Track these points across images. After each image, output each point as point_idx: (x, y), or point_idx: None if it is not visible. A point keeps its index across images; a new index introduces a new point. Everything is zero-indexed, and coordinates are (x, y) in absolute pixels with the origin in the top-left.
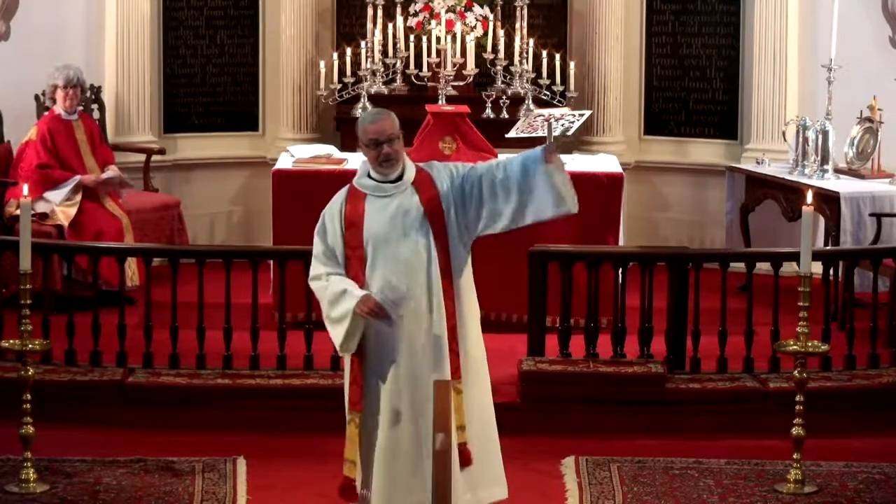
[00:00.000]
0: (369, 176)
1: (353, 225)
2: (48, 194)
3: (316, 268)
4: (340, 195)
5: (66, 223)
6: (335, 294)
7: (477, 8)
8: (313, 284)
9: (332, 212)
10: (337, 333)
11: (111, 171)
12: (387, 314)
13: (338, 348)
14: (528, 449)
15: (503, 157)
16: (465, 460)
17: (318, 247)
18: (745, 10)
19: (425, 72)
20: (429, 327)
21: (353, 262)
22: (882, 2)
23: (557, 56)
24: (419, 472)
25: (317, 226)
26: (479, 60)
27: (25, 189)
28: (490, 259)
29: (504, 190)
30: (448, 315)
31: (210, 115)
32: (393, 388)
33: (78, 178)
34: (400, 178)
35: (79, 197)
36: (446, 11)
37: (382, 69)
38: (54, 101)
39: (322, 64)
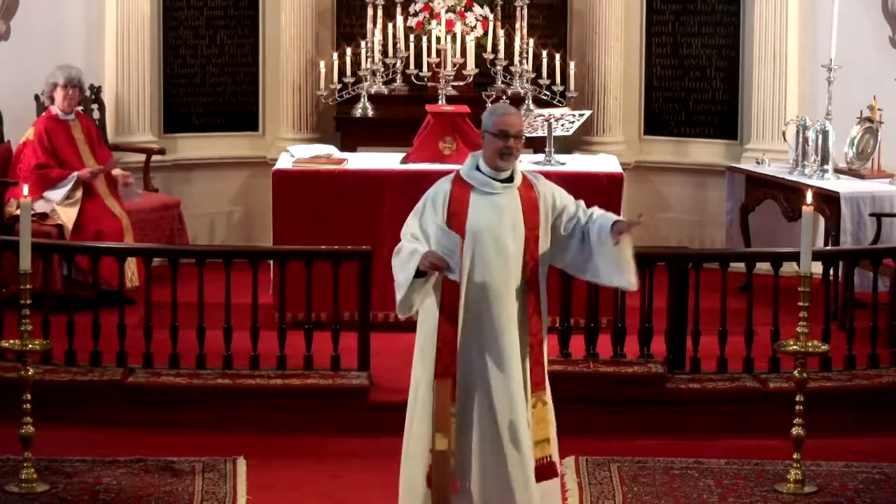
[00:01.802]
0: (478, 169)
1: (455, 214)
2: (48, 193)
3: (399, 245)
4: (446, 182)
5: (69, 224)
6: (404, 259)
7: (477, 8)
8: (393, 260)
9: (436, 195)
10: (398, 293)
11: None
12: (446, 264)
13: (397, 307)
14: None
15: (596, 209)
16: (554, 472)
17: (409, 227)
18: (745, 10)
19: (425, 72)
20: (519, 333)
21: None
22: (882, 2)
23: (557, 56)
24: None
25: (415, 207)
26: (479, 60)
27: (25, 189)
28: None
29: (581, 242)
30: (534, 328)
31: (210, 115)
32: (482, 387)
33: (76, 174)
34: (510, 179)
35: (79, 194)
36: (446, 11)
37: (382, 69)
38: (52, 101)
39: (322, 64)
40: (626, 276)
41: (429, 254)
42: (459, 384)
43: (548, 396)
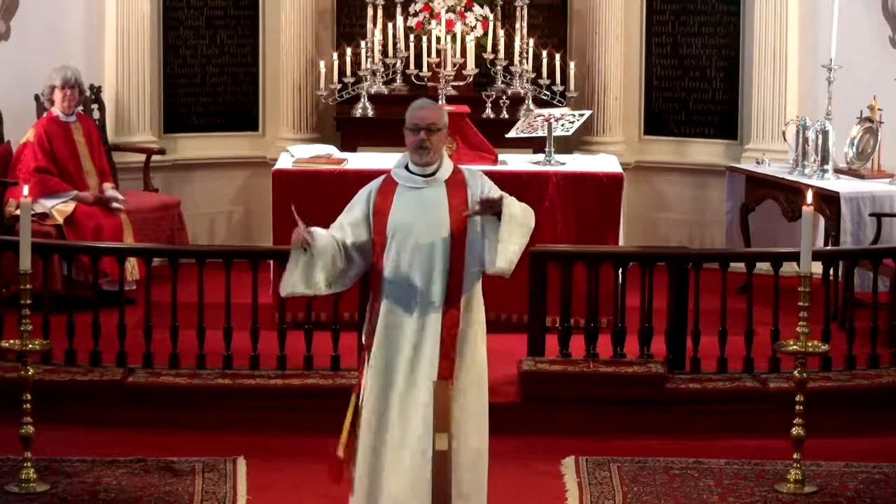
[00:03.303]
0: (406, 168)
1: (379, 212)
2: (43, 200)
3: None
4: (377, 181)
5: (60, 220)
6: None
7: (477, 8)
8: None
9: (363, 194)
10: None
11: (110, 192)
12: (303, 235)
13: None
14: (528, 449)
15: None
16: None
17: (336, 221)
18: (745, 10)
19: (425, 72)
20: (434, 326)
21: (377, 248)
22: (882, 2)
23: (557, 56)
24: (401, 469)
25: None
26: (479, 60)
27: (26, 189)
28: None
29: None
30: (449, 321)
31: (210, 115)
32: (389, 380)
33: (75, 192)
34: (434, 174)
35: (74, 203)
36: (446, 11)
37: (382, 69)
38: (52, 103)
39: (322, 64)
40: (494, 257)
41: (294, 232)
42: (377, 376)
43: (459, 390)
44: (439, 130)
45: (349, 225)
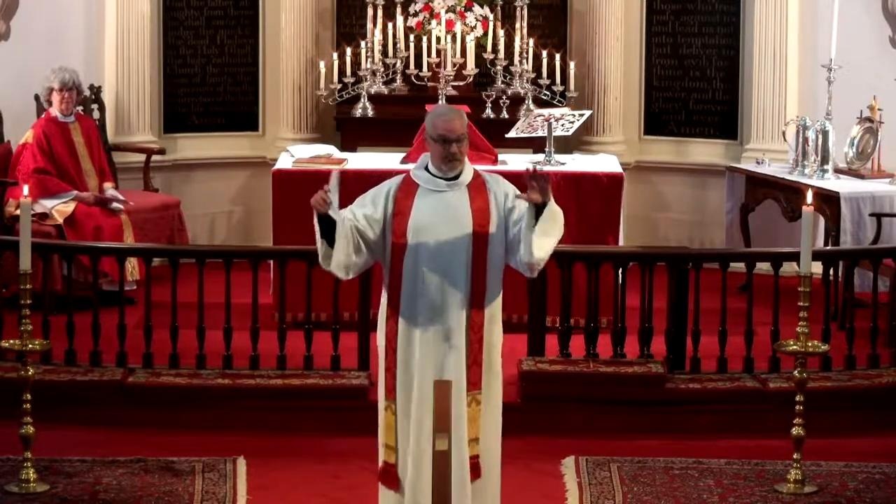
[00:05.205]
0: (426, 169)
1: (400, 213)
2: (43, 201)
3: None
4: (396, 179)
5: (60, 220)
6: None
7: (477, 8)
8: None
9: (381, 190)
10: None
11: (110, 192)
12: (323, 197)
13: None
14: (528, 449)
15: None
16: (476, 473)
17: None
18: (745, 10)
19: (425, 72)
20: (457, 330)
21: (396, 250)
22: (882, 2)
23: (557, 56)
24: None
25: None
26: (479, 60)
27: (26, 189)
28: None
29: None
30: (476, 325)
31: (210, 115)
32: (418, 382)
33: (75, 193)
34: (456, 177)
35: (74, 203)
36: (446, 11)
37: (382, 69)
38: (51, 104)
39: (322, 64)
40: (530, 248)
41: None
42: (401, 379)
43: (484, 396)
44: (465, 138)
45: (364, 217)
